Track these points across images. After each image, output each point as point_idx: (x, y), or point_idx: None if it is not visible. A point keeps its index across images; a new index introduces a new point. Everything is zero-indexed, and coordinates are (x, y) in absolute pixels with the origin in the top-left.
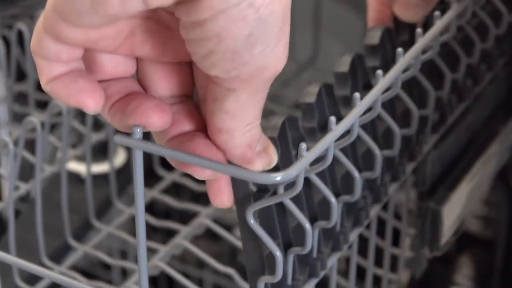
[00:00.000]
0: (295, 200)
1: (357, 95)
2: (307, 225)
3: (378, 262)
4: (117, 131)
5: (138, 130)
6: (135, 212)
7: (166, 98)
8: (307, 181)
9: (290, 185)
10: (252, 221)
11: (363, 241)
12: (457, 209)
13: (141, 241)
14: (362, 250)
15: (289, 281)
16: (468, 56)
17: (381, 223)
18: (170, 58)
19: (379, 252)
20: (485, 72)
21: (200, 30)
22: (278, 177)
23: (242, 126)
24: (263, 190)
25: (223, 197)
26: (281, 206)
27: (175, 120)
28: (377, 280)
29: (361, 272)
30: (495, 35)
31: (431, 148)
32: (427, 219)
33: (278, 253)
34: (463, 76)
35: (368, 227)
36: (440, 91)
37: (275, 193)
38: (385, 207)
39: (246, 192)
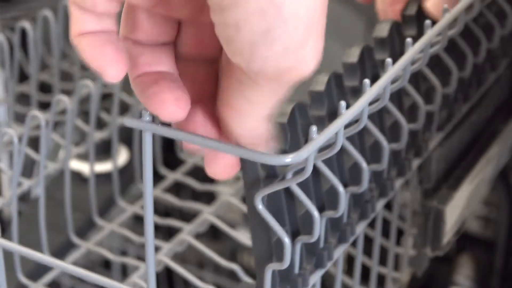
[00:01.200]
0: (304, 188)
1: (366, 81)
2: (315, 213)
3: (380, 261)
4: (120, 129)
5: (148, 112)
6: (138, 206)
7: (193, 58)
8: (315, 170)
9: (298, 172)
10: (260, 206)
11: (365, 241)
12: (459, 208)
13: (149, 227)
14: (365, 249)
15: (296, 269)
16: (474, 55)
17: (383, 223)
18: (206, 19)
19: (381, 251)
20: (489, 71)
21: (220, 15)
22: (288, 158)
23: (257, 113)
24: (272, 176)
25: (216, 167)
26: (289, 193)
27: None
28: (379, 278)
29: (363, 271)
30: (500, 35)
31: (436, 146)
32: (430, 218)
33: (286, 239)
34: (469, 75)
35: (372, 226)
36: (447, 88)
37: (284, 178)
38: (389, 207)
39: (255, 177)
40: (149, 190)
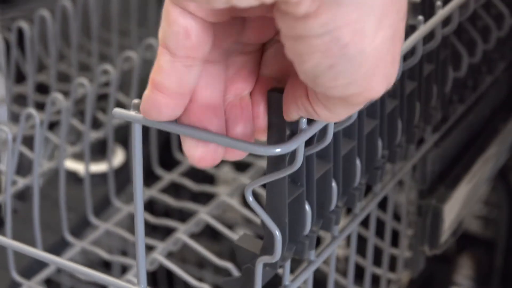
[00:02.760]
0: (324, 154)
1: None
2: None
3: (377, 262)
4: (116, 129)
5: (137, 106)
6: (133, 205)
7: (253, 47)
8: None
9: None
10: (251, 198)
11: (361, 241)
12: (457, 208)
13: (139, 223)
14: (361, 250)
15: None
16: (470, 56)
17: (379, 224)
18: (272, 14)
19: (377, 252)
20: (486, 74)
21: (286, 42)
22: (277, 149)
23: (335, 118)
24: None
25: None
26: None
27: (236, 78)
28: (375, 279)
29: (360, 272)
30: (497, 37)
31: (432, 147)
32: (428, 217)
33: (277, 232)
34: (465, 76)
35: (367, 226)
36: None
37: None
38: (384, 208)
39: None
40: (139, 185)
